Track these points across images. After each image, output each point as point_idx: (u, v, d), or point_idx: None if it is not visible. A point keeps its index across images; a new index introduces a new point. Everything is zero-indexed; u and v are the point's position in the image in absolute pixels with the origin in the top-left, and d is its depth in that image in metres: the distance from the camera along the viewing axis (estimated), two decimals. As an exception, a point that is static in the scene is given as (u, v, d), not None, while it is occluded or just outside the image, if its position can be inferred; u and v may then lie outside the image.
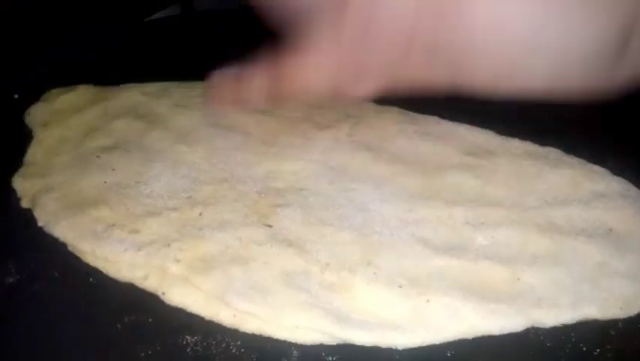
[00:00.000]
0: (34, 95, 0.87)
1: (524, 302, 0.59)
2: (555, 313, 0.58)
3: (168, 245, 0.64)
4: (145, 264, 0.63)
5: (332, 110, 0.87)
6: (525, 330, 0.58)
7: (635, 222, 0.66)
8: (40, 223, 0.68)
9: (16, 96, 0.88)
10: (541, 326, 0.58)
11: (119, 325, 0.59)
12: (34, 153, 0.79)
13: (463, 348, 0.57)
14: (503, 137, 0.81)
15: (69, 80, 0.90)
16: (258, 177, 0.75)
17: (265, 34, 1.03)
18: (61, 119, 0.84)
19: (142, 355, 0.56)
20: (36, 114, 0.85)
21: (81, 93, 0.89)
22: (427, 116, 0.85)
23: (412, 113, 0.86)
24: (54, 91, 0.89)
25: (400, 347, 0.57)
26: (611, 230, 0.66)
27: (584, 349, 0.56)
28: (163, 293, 0.61)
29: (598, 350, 0.56)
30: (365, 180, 0.75)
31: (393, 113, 0.87)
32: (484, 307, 0.58)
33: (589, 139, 0.79)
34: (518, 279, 0.61)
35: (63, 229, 0.67)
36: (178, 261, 0.63)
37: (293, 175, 0.76)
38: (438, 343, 0.57)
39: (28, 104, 0.86)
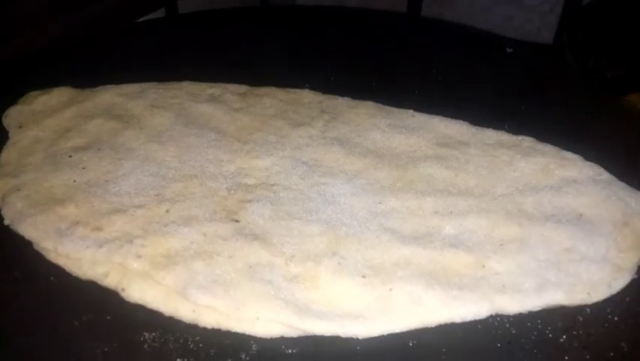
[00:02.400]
0: (12, 98, 0.87)
1: (488, 288, 0.57)
2: (520, 299, 0.56)
3: (131, 242, 0.64)
4: (106, 261, 0.62)
5: (306, 106, 0.87)
6: (490, 318, 0.57)
7: (605, 207, 0.65)
8: (6, 222, 0.68)
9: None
10: (505, 312, 0.57)
11: (76, 322, 0.58)
12: (8, 154, 0.79)
13: (426, 337, 0.55)
14: (477, 127, 0.80)
15: (47, 83, 0.90)
16: (229, 173, 0.75)
17: (246, 35, 1.06)
18: (37, 120, 0.84)
19: (98, 352, 0.55)
20: (12, 116, 0.85)
21: (58, 95, 0.89)
22: (401, 109, 0.85)
23: (387, 107, 0.86)
24: (32, 93, 0.89)
25: (360, 337, 0.55)
26: (581, 215, 0.65)
27: (550, 336, 0.55)
28: (123, 290, 0.60)
29: (564, 337, 0.55)
30: (337, 174, 0.74)
31: (368, 108, 0.86)
32: (447, 293, 0.57)
33: (563, 127, 0.78)
34: (483, 266, 0.60)
35: (28, 226, 0.66)
36: (139, 257, 0.62)
37: (264, 171, 0.75)
38: (400, 331, 0.56)
39: (5, 107, 0.86)
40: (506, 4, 1.60)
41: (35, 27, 1.04)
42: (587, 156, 0.73)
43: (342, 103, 0.88)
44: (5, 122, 0.84)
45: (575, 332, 0.55)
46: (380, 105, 0.87)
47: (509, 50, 0.99)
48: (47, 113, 0.85)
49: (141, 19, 1.20)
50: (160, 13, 1.26)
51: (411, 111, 0.84)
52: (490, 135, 0.78)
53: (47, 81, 0.90)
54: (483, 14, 1.58)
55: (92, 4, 1.13)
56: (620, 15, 1.28)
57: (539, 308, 0.57)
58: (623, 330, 0.55)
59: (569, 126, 0.79)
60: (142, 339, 0.56)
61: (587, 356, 0.53)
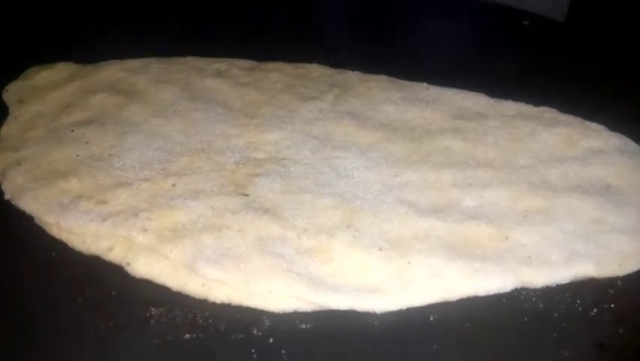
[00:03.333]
0: (10, 75, 0.85)
1: (513, 261, 0.54)
2: (547, 272, 0.53)
3: (136, 215, 0.61)
4: (110, 235, 0.59)
5: (316, 81, 0.84)
6: (515, 291, 0.54)
7: (634, 177, 0.62)
8: (6, 196, 0.65)
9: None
10: (532, 286, 0.54)
11: (79, 298, 0.55)
12: (8, 129, 0.76)
13: (448, 311, 0.52)
14: (496, 99, 0.77)
15: (49, 59, 0.88)
16: (237, 148, 0.72)
17: (251, 10, 1.03)
18: (38, 95, 0.81)
19: (102, 328, 0.53)
20: (13, 91, 0.82)
21: (60, 70, 0.86)
22: (415, 82, 0.82)
23: (399, 81, 0.83)
24: (33, 69, 0.86)
25: (378, 311, 0.53)
26: (608, 186, 0.61)
27: (580, 309, 0.52)
28: (128, 264, 0.58)
29: (595, 310, 0.52)
30: (349, 148, 0.71)
31: (380, 81, 0.83)
32: (470, 266, 0.54)
33: (586, 97, 0.75)
34: (507, 237, 0.57)
35: (29, 201, 0.64)
36: (145, 230, 0.59)
37: (273, 146, 0.72)
38: (420, 306, 0.53)
39: (3, 84, 0.83)
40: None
41: (36, 3, 1.02)
42: (611, 127, 0.70)
43: (352, 77, 0.85)
44: (6, 97, 0.82)
45: (606, 305, 0.52)
46: (392, 79, 0.84)
47: (526, 23, 0.96)
48: (49, 88, 0.83)
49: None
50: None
51: (425, 84, 0.82)
52: (510, 107, 0.75)
53: (49, 57, 0.88)
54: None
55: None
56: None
57: (568, 281, 0.54)
58: (658, 304, 0.52)
59: (590, 97, 0.76)
60: (148, 315, 0.54)
61: (621, 330, 0.50)
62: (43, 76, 0.85)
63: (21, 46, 0.92)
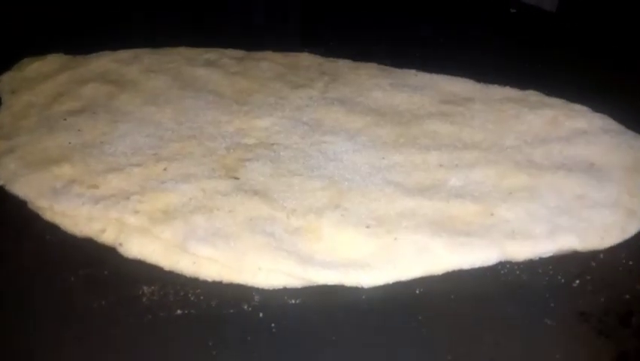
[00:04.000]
0: (2, 68, 0.86)
1: (497, 234, 0.55)
2: (531, 245, 0.54)
3: (127, 198, 0.62)
4: (102, 217, 0.60)
5: (306, 69, 0.86)
6: (499, 265, 0.55)
7: (616, 155, 0.63)
8: (0, 183, 0.66)
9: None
10: (515, 259, 0.55)
11: (72, 278, 0.56)
12: (2, 118, 0.77)
13: (433, 285, 0.54)
14: (482, 84, 0.78)
15: (40, 51, 0.89)
16: (228, 133, 0.73)
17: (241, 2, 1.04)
18: (30, 86, 0.82)
19: (95, 305, 0.54)
20: (5, 82, 0.83)
21: (51, 62, 0.87)
22: (404, 70, 0.83)
23: (388, 68, 0.84)
24: (25, 60, 0.88)
25: (365, 286, 0.54)
26: (592, 164, 0.63)
27: (563, 281, 0.53)
28: (120, 244, 0.58)
29: (577, 282, 0.53)
30: (338, 133, 0.72)
31: (370, 69, 0.84)
32: (454, 240, 0.55)
33: (571, 81, 0.77)
34: (492, 214, 0.58)
35: (22, 186, 0.65)
36: (137, 212, 0.60)
37: (264, 131, 0.74)
38: (406, 280, 0.54)
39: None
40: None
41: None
42: (595, 108, 0.71)
43: (342, 65, 0.86)
44: (-2, 88, 0.82)
45: (588, 277, 0.53)
46: (382, 66, 0.85)
47: (513, 11, 0.97)
48: (40, 79, 0.84)
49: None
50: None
51: (413, 71, 0.83)
52: (496, 91, 0.76)
53: (40, 49, 0.89)
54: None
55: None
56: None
57: (551, 254, 0.55)
58: (639, 274, 0.54)
59: (574, 80, 0.77)
60: (141, 293, 0.55)
61: (602, 299, 0.51)
62: (35, 67, 0.86)
63: (13, 38, 0.93)
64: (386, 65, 0.85)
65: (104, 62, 0.87)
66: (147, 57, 0.88)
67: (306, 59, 0.88)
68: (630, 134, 0.67)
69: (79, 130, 0.73)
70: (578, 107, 0.71)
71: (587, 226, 0.56)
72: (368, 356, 0.49)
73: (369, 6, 1.01)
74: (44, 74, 0.85)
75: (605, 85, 0.76)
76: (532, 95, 0.74)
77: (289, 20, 0.98)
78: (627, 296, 0.52)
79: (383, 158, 0.68)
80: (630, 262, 0.55)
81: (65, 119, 0.75)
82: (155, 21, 0.98)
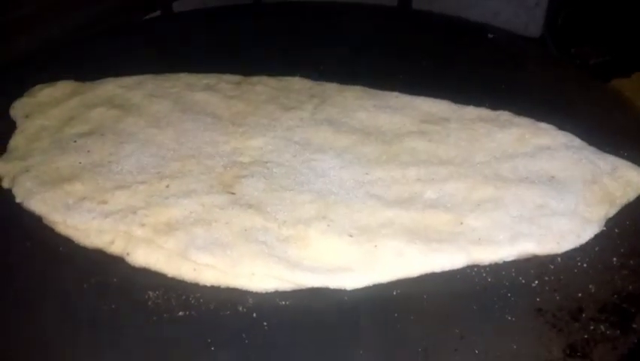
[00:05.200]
0: (15, 94, 0.92)
1: (465, 241, 0.62)
2: (494, 250, 0.61)
3: (134, 212, 0.68)
4: (111, 230, 0.67)
5: (297, 92, 0.92)
6: (468, 268, 0.61)
7: (576, 169, 0.70)
8: (18, 200, 0.72)
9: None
10: (481, 263, 0.61)
11: (85, 285, 0.63)
12: (16, 141, 0.83)
13: (409, 286, 0.60)
14: (459, 105, 0.84)
15: (50, 78, 0.95)
16: (225, 153, 0.79)
17: (239, 31, 1.10)
18: (42, 110, 0.89)
19: (105, 309, 0.60)
20: (19, 107, 0.89)
21: (61, 87, 0.93)
22: (386, 92, 0.90)
23: (372, 90, 0.91)
24: (37, 87, 0.94)
25: (348, 288, 0.60)
26: (553, 177, 0.69)
27: (523, 282, 0.60)
28: (128, 254, 0.65)
29: (536, 282, 0.59)
30: (326, 151, 0.79)
31: (355, 91, 0.91)
32: (427, 247, 0.61)
33: (539, 102, 0.83)
34: (461, 223, 0.64)
35: (38, 202, 0.71)
36: (143, 225, 0.67)
37: (258, 150, 0.80)
38: (384, 282, 0.60)
39: (10, 101, 0.91)
40: (494, -1, 1.66)
41: (38, 26, 1.10)
42: (561, 126, 0.78)
43: (330, 88, 0.92)
44: (12, 113, 0.89)
45: (546, 278, 0.60)
46: (366, 89, 0.91)
47: (491, 36, 1.04)
48: (52, 103, 0.90)
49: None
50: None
51: (395, 93, 0.89)
52: (470, 111, 0.83)
53: (50, 76, 0.95)
54: (471, 9, 1.64)
55: (92, 6, 1.19)
56: (602, 2, 1.33)
57: (513, 258, 0.61)
58: (592, 275, 0.60)
59: (544, 101, 0.84)
60: (146, 297, 0.61)
61: (557, 297, 0.57)
62: (47, 93, 0.92)
63: (25, 66, 1.00)
64: (370, 87, 0.91)
65: (110, 87, 0.93)
66: (150, 83, 0.94)
67: (298, 83, 0.94)
68: (591, 149, 0.73)
69: (88, 151, 0.79)
70: (544, 125, 0.78)
71: (546, 233, 0.62)
72: (350, 350, 0.55)
73: (355, 33, 1.08)
74: (56, 99, 0.91)
75: (571, 106, 0.83)
76: (503, 115, 0.81)
77: (283, 46, 1.04)
78: (579, 295, 0.58)
79: (367, 173, 0.74)
80: (584, 265, 0.61)
81: (75, 141, 0.81)
82: (158, 48, 1.04)
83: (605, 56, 1.32)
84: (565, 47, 1.23)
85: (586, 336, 0.54)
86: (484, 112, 0.82)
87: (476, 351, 0.54)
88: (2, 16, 1.05)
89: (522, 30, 1.62)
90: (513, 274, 0.60)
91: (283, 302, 0.60)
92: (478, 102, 0.84)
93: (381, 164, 0.75)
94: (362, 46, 1.05)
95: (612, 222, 0.65)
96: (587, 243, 0.63)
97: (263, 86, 0.93)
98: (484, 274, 0.61)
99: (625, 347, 0.53)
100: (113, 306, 0.60)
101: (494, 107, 0.83)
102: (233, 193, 0.72)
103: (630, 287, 0.58)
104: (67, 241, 0.68)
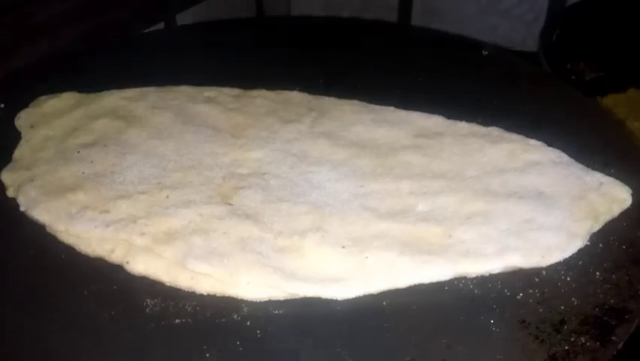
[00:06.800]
0: (20, 105, 0.95)
1: (454, 254, 0.64)
2: (481, 262, 0.63)
3: (135, 222, 0.71)
4: (112, 238, 0.69)
5: (296, 105, 0.94)
6: (455, 280, 0.63)
7: (564, 184, 0.72)
8: (22, 208, 0.75)
9: (2, 105, 0.95)
10: (468, 275, 0.63)
11: (85, 292, 0.65)
12: (21, 151, 0.86)
13: (398, 297, 0.62)
14: (452, 120, 0.87)
15: (55, 90, 0.98)
16: (224, 164, 0.82)
17: (240, 44, 1.13)
18: (47, 121, 0.91)
19: (105, 315, 0.62)
20: (25, 118, 0.92)
21: (66, 99, 0.96)
22: (383, 106, 0.92)
23: (370, 105, 0.93)
24: (41, 98, 0.96)
25: (340, 298, 0.62)
26: (541, 192, 0.71)
27: (509, 294, 0.61)
28: (127, 262, 0.67)
29: (521, 294, 0.61)
30: (323, 163, 0.81)
31: (353, 105, 0.93)
32: (417, 258, 0.63)
33: (531, 119, 0.85)
34: (450, 236, 0.66)
35: (41, 211, 0.73)
36: (143, 234, 0.69)
37: (256, 162, 0.82)
38: (375, 293, 0.62)
39: (15, 112, 0.93)
40: (492, 14, 1.69)
41: (43, 38, 1.13)
42: (550, 143, 0.79)
43: (329, 102, 0.94)
44: (17, 123, 0.91)
45: (531, 291, 0.61)
46: (364, 103, 0.93)
47: (485, 53, 1.06)
48: (56, 114, 0.93)
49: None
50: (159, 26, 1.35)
51: (392, 108, 0.91)
52: (463, 127, 0.85)
53: (55, 87, 0.97)
54: (470, 25, 1.66)
55: (96, 17, 1.22)
56: (597, 18, 1.36)
57: (499, 270, 0.63)
58: (575, 288, 0.61)
59: (535, 118, 0.86)
60: (144, 304, 0.63)
61: (541, 309, 0.59)
62: (51, 104, 0.95)
63: (30, 77, 1.02)
64: (368, 101, 0.94)
65: (113, 99, 0.96)
66: (152, 95, 0.97)
67: (297, 97, 0.96)
68: (578, 166, 0.75)
69: (91, 161, 0.82)
70: (533, 142, 0.80)
71: (531, 247, 0.64)
72: (340, 358, 0.57)
73: (354, 48, 1.10)
74: (60, 110, 0.94)
75: (561, 122, 0.85)
76: (495, 131, 0.83)
77: (282, 61, 1.07)
78: (562, 307, 0.59)
79: (361, 186, 0.76)
80: (568, 278, 0.63)
81: (79, 152, 0.84)
82: (158, 61, 1.07)
83: (600, 71, 1.35)
84: (559, 63, 1.25)
85: (567, 348, 0.56)
86: (476, 127, 0.84)
87: (462, 361, 0.56)
88: (8, 27, 1.08)
89: (520, 44, 1.66)
90: (499, 287, 0.62)
91: (276, 311, 0.62)
92: (471, 118, 0.87)
93: (375, 177, 0.77)
94: (360, 60, 1.08)
95: (596, 237, 0.67)
96: (572, 257, 0.65)
97: (262, 99, 0.95)
98: (472, 286, 0.63)
99: (605, 358, 0.54)
100: (113, 313, 0.62)
101: (486, 122, 0.85)
102: (231, 204, 0.74)
103: (612, 301, 0.60)
104: (69, 249, 0.70)
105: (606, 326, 0.57)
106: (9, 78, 1.03)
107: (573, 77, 1.29)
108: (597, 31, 1.34)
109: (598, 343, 0.56)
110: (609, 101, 1.31)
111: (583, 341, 0.56)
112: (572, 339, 0.56)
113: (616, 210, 0.69)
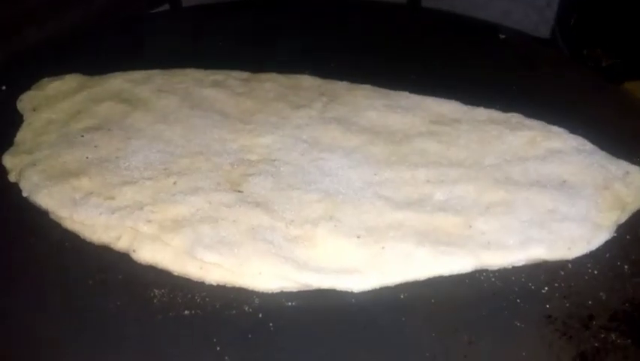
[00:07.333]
0: (22, 87, 0.92)
1: (474, 245, 0.61)
2: (503, 255, 0.60)
3: (141, 208, 0.68)
4: (118, 225, 0.67)
5: (307, 90, 0.91)
6: (476, 272, 0.60)
7: (587, 173, 0.69)
8: (24, 194, 0.72)
9: (3, 88, 0.92)
10: (489, 267, 0.61)
11: (90, 281, 0.62)
12: (23, 134, 0.83)
13: (417, 290, 0.59)
14: (469, 106, 0.84)
15: (58, 71, 0.95)
16: (233, 150, 0.79)
17: (248, 26, 1.10)
18: (49, 104, 0.88)
19: (110, 306, 0.60)
20: (27, 100, 0.89)
21: (69, 81, 0.93)
22: (397, 91, 0.89)
23: (383, 90, 0.90)
24: (44, 80, 0.93)
25: (355, 290, 0.59)
26: (564, 181, 0.69)
27: (533, 288, 0.59)
28: (134, 251, 0.64)
29: (546, 288, 0.59)
30: (335, 150, 0.78)
31: (366, 90, 0.90)
32: (436, 249, 0.61)
33: (551, 105, 0.82)
34: (470, 226, 0.64)
35: (44, 197, 0.71)
36: (149, 221, 0.66)
37: (266, 148, 0.79)
38: (392, 285, 0.60)
39: (17, 94, 0.90)
40: (504, -1, 1.65)
41: (46, 19, 1.10)
42: (573, 130, 0.77)
43: (340, 86, 0.91)
44: (20, 106, 0.88)
45: (556, 284, 0.59)
46: (377, 88, 0.90)
47: (502, 37, 1.03)
48: (59, 97, 0.90)
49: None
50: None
51: (406, 93, 0.88)
52: (481, 113, 0.82)
53: (58, 69, 0.94)
54: (481, 9, 1.63)
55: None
56: (614, 4, 1.32)
57: (522, 263, 0.61)
58: (602, 282, 0.59)
59: (556, 104, 0.83)
60: (152, 295, 0.61)
61: (567, 304, 0.57)
62: (54, 86, 0.92)
63: (32, 59, 0.99)
64: (380, 86, 0.91)
65: (118, 81, 0.93)
66: (158, 78, 0.94)
67: (307, 81, 0.93)
68: (602, 154, 0.72)
69: (95, 146, 0.79)
70: (555, 128, 0.77)
71: (555, 238, 0.62)
72: (356, 353, 0.55)
73: (367, 32, 1.07)
74: (63, 92, 0.91)
75: (584, 109, 0.82)
76: (514, 117, 0.80)
77: (292, 44, 1.03)
78: (590, 302, 0.57)
79: (375, 174, 0.73)
80: (595, 272, 0.60)
81: (83, 136, 0.81)
82: (167, 43, 1.04)
83: (618, 58, 1.32)
84: (577, 49, 1.22)
85: (597, 345, 0.53)
86: (494, 114, 0.81)
87: (485, 358, 0.53)
88: (10, 9, 1.05)
89: (532, 30, 1.62)
90: (522, 280, 0.60)
91: (289, 303, 0.59)
92: (488, 103, 0.84)
93: (390, 164, 0.75)
94: (373, 44, 1.05)
95: (623, 229, 0.64)
96: (598, 249, 0.62)
97: (272, 83, 0.93)
98: (493, 279, 0.60)
99: (637, 356, 0.52)
100: (118, 303, 0.60)
101: (505, 108, 0.82)
102: (240, 191, 0.71)
103: (641, 295, 0.58)
104: (73, 237, 0.68)
105: (637, 322, 0.55)
106: (11, 59, 1.00)
107: (590, 64, 1.26)
108: (614, 17, 1.31)
109: (629, 340, 0.53)
110: (628, 87, 1.28)
111: (613, 338, 0.54)
112: (602, 336, 0.54)
113: (644, 200, 0.66)
